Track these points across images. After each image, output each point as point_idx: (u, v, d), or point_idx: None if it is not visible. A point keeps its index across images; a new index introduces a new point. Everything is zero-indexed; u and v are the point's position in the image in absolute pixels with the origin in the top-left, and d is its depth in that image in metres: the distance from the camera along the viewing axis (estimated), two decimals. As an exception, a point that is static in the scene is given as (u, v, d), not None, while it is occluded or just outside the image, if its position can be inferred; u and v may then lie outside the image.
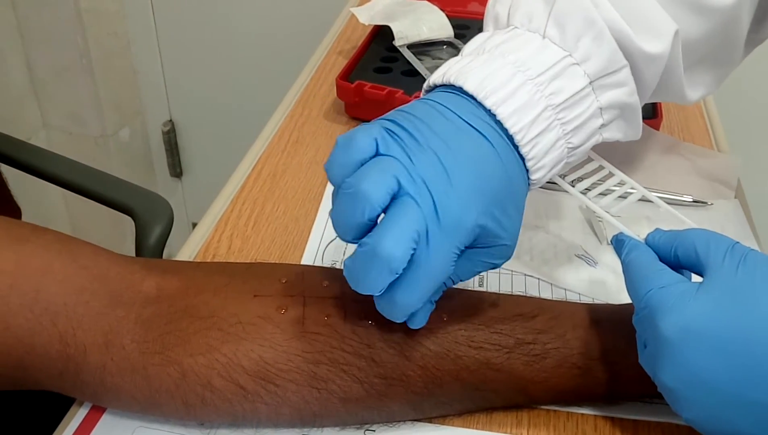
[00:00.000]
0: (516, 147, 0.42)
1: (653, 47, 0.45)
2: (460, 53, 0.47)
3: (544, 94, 0.42)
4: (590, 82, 0.43)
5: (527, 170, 0.43)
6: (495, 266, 0.42)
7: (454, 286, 0.47)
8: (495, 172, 0.40)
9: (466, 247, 0.40)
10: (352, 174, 0.38)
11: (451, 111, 0.41)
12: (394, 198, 0.38)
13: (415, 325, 0.41)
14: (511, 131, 0.41)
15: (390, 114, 0.41)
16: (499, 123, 0.41)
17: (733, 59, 0.54)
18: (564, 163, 0.45)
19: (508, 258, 0.42)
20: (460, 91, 0.42)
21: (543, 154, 0.43)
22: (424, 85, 0.46)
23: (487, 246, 0.41)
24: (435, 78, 0.44)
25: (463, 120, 0.41)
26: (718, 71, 0.54)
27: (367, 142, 0.39)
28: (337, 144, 0.40)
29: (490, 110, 0.41)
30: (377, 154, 0.39)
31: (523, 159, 0.42)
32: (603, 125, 0.45)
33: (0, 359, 0.40)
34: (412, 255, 0.37)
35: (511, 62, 0.42)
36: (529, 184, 0.44)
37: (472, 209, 0.38)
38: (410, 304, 0.39)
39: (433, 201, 0.38)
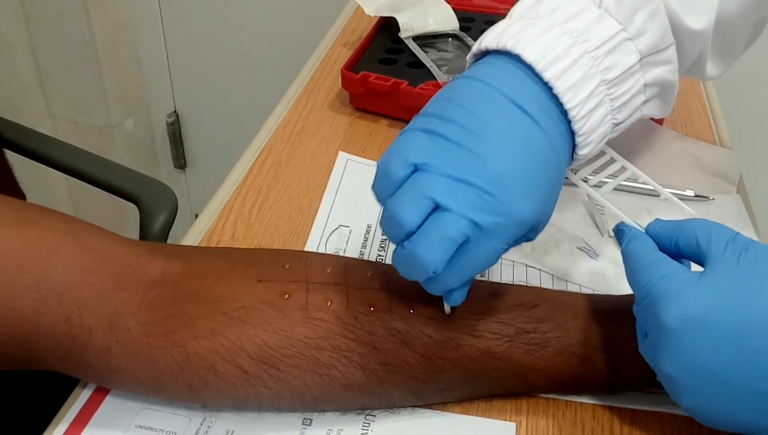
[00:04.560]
0: (568, 122, 0.42)
1: (697, 23, 0.45)
2: (509, 15, 0.45)
3: (599, 69, 0.42)
4: (640, 59, 0.43)
5: (574, 147, 0.43)
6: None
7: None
8: (546, 164, 0.40)
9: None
10: (392, 195, 0.39)
11: (502, 93, 0.40)
12: (437, 207, 0.38)
13: (453, 302, 0.42)
14: (567, 106, 0.41)
15: (434, 105, 0.41)
16: (553, 96, 0.41)
17: (754, 38, 0.54)
18: (606, 139, 0.44)
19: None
20: (516, 58, 0.41)
21: (592, 130, 0.42)
22: (473, 48, 0.44)
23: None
24: (488, 42, 0.43)
25: (514, 103, 0.40)
26: (739, 49, 0.53)
27: (401, 170, 0.39)
28: (377, 170, 0.40)
29: (546, 82, 0.41)
30: (416, 169, 0.39)
31: (572, 135, 0.42)
32: (645, 102, 0.45)
33: (6, 339, 0.40)
34: (460, 246, 0.38)
35: (569, 32, 0.42)
36: (572, 161, 0.44)
37: (525, 209, 0.39)
38: (450, 285, 0.40)
39: (480, 204, 0.38)
